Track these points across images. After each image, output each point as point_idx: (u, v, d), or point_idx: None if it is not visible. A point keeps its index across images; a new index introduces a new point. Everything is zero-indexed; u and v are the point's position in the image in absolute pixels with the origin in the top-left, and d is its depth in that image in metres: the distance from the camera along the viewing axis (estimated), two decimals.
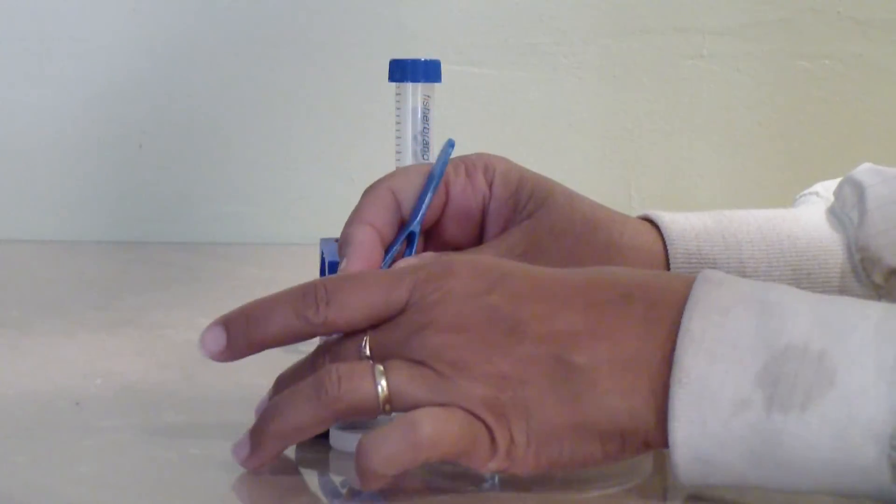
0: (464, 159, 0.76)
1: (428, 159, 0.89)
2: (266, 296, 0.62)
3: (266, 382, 0.79)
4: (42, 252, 1.34)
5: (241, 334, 0.61)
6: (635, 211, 0.80)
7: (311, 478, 0.63)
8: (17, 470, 0.62)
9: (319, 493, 0.61)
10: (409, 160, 0.89)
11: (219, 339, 0.62)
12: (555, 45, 1.46)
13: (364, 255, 0.70)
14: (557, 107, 1.45)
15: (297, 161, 1.43)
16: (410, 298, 0.59)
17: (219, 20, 1.43)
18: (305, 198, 1.42)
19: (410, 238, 0.72)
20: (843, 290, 0.75)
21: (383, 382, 0.57)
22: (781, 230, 0.77)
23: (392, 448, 0.56)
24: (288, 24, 1.43)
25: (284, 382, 0.62)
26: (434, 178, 0.73)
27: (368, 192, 0.74)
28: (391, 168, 0.91)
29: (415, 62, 0.89)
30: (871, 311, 0.55)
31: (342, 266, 0.70)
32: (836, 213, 0.79)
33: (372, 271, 0.66)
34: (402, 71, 0.89)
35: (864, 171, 0.80)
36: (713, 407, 0.54)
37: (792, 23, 1.47)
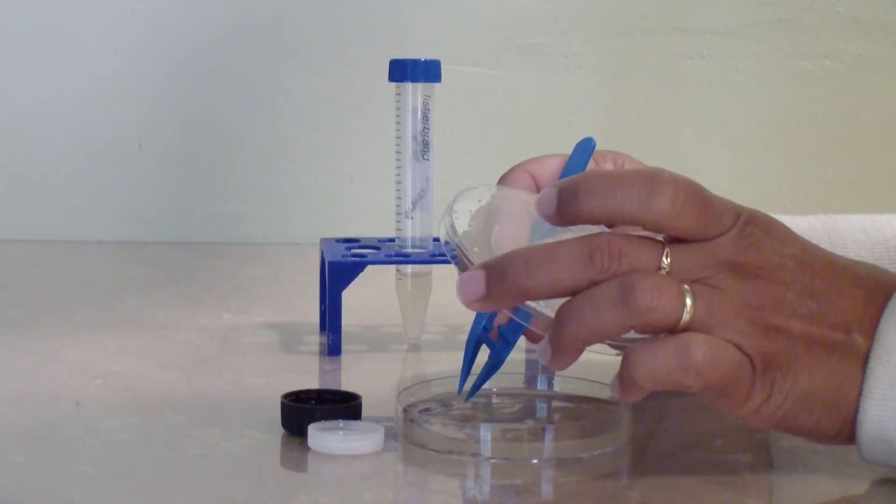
0: (594, 155, 0.77)
1: (428, 159, 0.89)
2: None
3: (266, 382, 0.79)
4: (42, 252, 1.34)
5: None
6: None
7: (310, 478, 0.63)
8: (17, 470, 0.62)
9: (318, 494, 0.61)
10: (408, 160, 0.89)
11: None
12: (555, 45, 1.46)
13: (514, 218, 0.69)
14: (557, 107, 1.45)
15: (297, 161, 1.42)
16: (731, 231, 0.59)
17: (219, 20, 1.42)
18: (305, 198, 1.42)
19: None
20: None
21: (689, 303, 0.57)
22: (886, 231, 0.78)
23: (661, 363, 0.56)
24: (288, 24, 1.43)
25: (541, 262, 0.59)
26: (586, 152, 0.74)
27: (507, 175, 0.75)
28: (391, 168, 0.91)
29: (415, 62, 0.89)
30: None
31: (494, 232, 0.68)
32: None
33: (696, 192, 0.61)
34: (402, 71, 0.89)
35: None
36: None
37: (792, 23, 1.46)
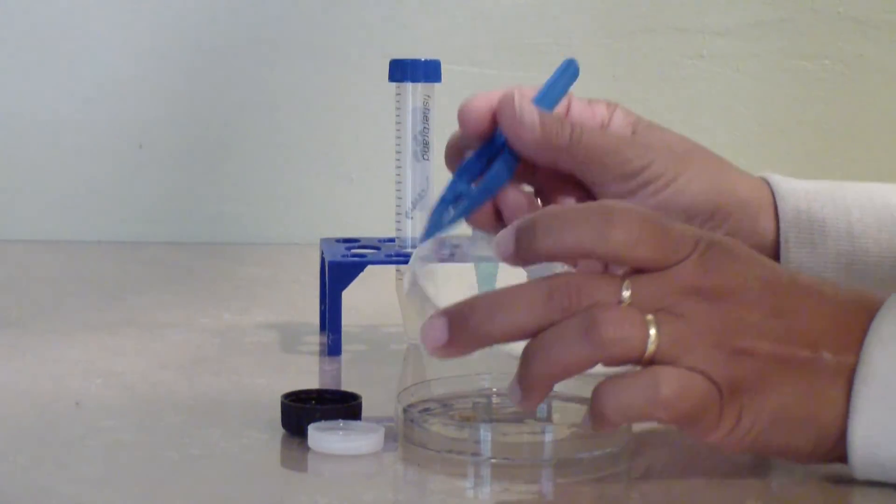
0: (589, 100, 0.78)
1: (428, 159, 0.89)
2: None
3: (266, 382, 0.79)
4: (42, 252, 1.34)
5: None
6: None
7: (310, 478, 0.63)
8: (17, 470, 0.62)
9: (318, 494, 0.61)
10: (408, 160, 0.89)
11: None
12: (555, 45, 1.46)
13: (484, 99, 0.71)
14: None
15: (297, 161, 1.42)
16: (691, 257, 0.59)
17: (219, 20, 1.42)
18: (305, 198, 1.42)
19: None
20: None
21: (654, 334, 0.57)
22: (891, 199, 0.77)
23: (629, 399, 0.57)
24: (288, 24, 1.43)
25: (502, 307, 0.60)
26: (567, 72, 0.75)
27: (466, 106, 0.74)
28: (391, 168, 0.91)
29: (415, 62, 0.89)
30: None
31: (464, 102, 0.71)
32: None
33: (653, 222, 0.62)
34: (402, 71, 0.89)
35: None
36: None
37: (792, 23, 1.47)
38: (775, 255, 0.77)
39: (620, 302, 0.58)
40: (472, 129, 0.72)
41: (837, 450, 0.59)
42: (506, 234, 0.60)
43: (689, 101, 1.46)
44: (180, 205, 1.43)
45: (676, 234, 0.59)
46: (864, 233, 0.76)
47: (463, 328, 0.59)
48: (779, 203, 0.77)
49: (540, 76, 1.46)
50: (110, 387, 0.78)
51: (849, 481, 0.60)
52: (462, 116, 0.72)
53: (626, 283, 0.59)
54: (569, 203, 0.74)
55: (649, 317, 0.58)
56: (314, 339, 0.91)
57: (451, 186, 0.73)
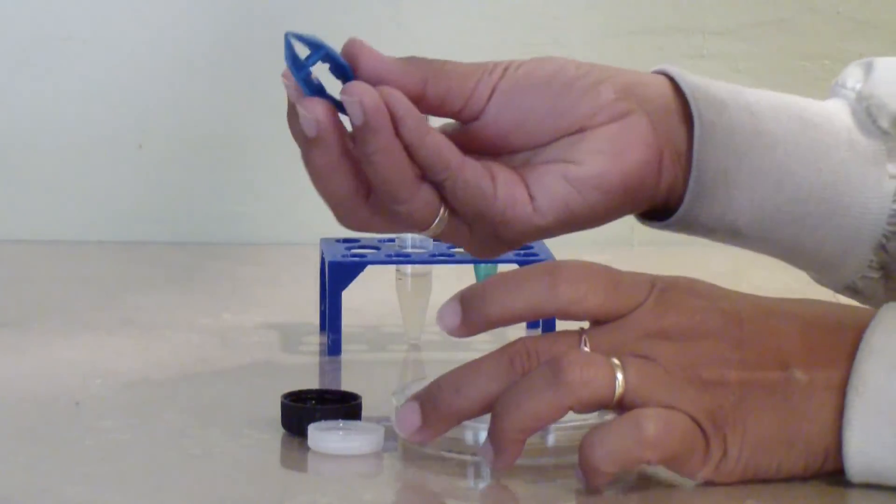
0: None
1: None
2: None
3: (265, 383, 0.79)
4: (42, 252, 1.34)
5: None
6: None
7: (310, 477, 0.63)
8: (17, 470, 0.62)
9: (318, 494, 0.61)
10: None
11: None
12: (555, 45, 1.46)
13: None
14: None
15: (296, 161, 1.42)
16: (647, 301, 0.59)
17: (219, 20, 1.42)
18: (305, 198, 1.41)
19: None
20: (850, 144, 0.74)
21: (620, 376, 0.57)
22: (789, 98, 0.76)
23: (616, 444, 0.57)
24: (288, 25, 1.43)
25: (467, 380, 0.61)
26: None
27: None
28: None
29: None
30: None
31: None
32: (837, 91, 0.78)
33: (601, 274, 0.63)
34: None
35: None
36: (889, 418, 0.55)
37: (792, 23, 1.47)
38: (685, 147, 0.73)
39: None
40: None
41: (830, 463, 0.59)
42: (450, 307, 0.60)
43: None
44: (180, 205, 1.43)
45: (628, 281, 0.60)
46: (763, 114, 0.74)
47: (434, 409, 0.60)
48: (679, 81, 0.76)
49: None
50: (110, 387, 0.78)
51: (848, 481, 0.60)
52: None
53: (584, 337, 0.59)
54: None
55: (615, 361, 0.58)
56: (314, 339, 0.91)
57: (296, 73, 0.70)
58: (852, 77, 0.77)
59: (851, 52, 1.47)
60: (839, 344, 0.59)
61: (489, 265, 0.76)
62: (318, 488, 0.63)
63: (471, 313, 0.60)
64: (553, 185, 0.67)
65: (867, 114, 0.74)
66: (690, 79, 0.73)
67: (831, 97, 0.78)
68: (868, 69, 0.76)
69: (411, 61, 0.67)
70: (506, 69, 0.69)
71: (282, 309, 1.01)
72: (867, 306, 0.71)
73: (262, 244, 1.41)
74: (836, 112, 0.75)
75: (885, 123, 0.74)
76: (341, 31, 1.43)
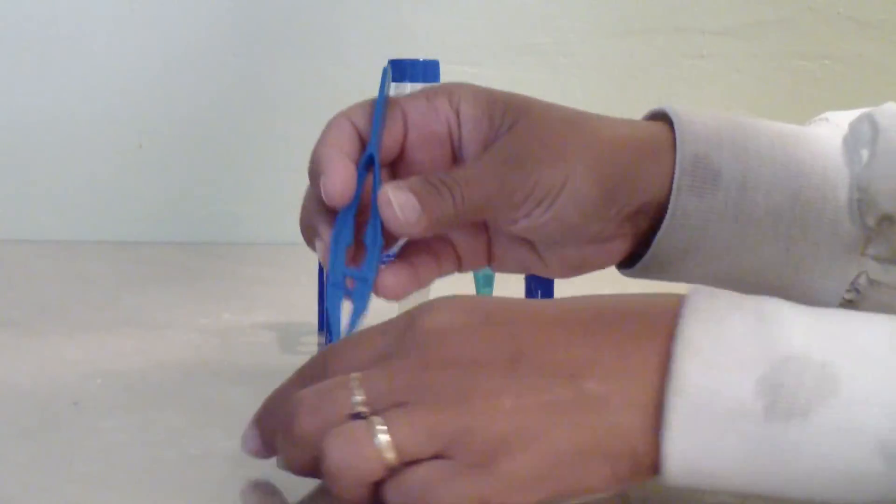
0: (424, 88, 0.74)
1: None
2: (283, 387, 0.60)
3: (265, 383, 0.79)
4: (42, 252, 1.34)
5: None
6: None
7: (308, 478, 0.63)
8: (17, 470, 0.62)
9: (318, 493, 0.61)
10: None
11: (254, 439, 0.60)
12: (555, 45, 1.46)
13: (339, 170, 0.68)
14: None
15: (296, 161, 1.42)
16: (401, 342, 0.57)
17: (218, 20, 1.43)
18: None
19: (372, 164, 0.70)
20: (833, 225, 0.74)
21: (385, 438, 0.54)
22: (793, 153, 0.75)
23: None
24: (288, 25, 1.43)
25: (268, 417, 0.60)
26: (379, 100, 0.73)
27: (328, 124, 0.72)
28: None
29: (414, 62, 0.89)
30: (879, 322, 0.54)
31: (322, 182, 0.68)
32: (848, 147, 0.77)
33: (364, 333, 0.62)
34: (401, 71, 0.89)
35: (885, 110, 0.79)
36: (709, 417, 0.52)
37: (792, 23, 1.47)
38: (666, 198, 0.73)
39: (354, 410, 0.55)
40: (339, 205, 0.69)
41: (645, 471, 0.55)
42: (247, 433, 0.59)
43: (689, 101, 1.46)
44: (180, 205, 1.44)
45: (381, 327, 0.59)
46: (757, 187, 0.74)
47: (270, 438, 0.59)
48: (678, 148, 0.75)
49: (540, 76, 1.46)
50: (110, 387, 0.78)
51: None
52: (329, 198, 0.68)
53: (355, 390, 0.55)
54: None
55: (378, 426, 0.53)
56: (314, 340, 0.91)
57: (334, 266, 0.70)
58: (861, 139, 0.77)
59: (851, 52, 1.47)
60: (625, 340, 0.55)
61: (488, 268, 0.75)
62: (318, 488, 0.63)
63: (268, 436, 0.58)
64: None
65: (857, 206, 0.74)
66: (689, 149, 0.74)
67: (842, 147, 0.77)
68: (873, 145, 0.76)
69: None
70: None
71: (282, 309, 1.01)
72: (653, 294, 0.62)
73: (262, 244, 1.41)
74: (834, 187, 0.75)
75: (870, 222, 0.74)
76: (341, 31, 1.44)
